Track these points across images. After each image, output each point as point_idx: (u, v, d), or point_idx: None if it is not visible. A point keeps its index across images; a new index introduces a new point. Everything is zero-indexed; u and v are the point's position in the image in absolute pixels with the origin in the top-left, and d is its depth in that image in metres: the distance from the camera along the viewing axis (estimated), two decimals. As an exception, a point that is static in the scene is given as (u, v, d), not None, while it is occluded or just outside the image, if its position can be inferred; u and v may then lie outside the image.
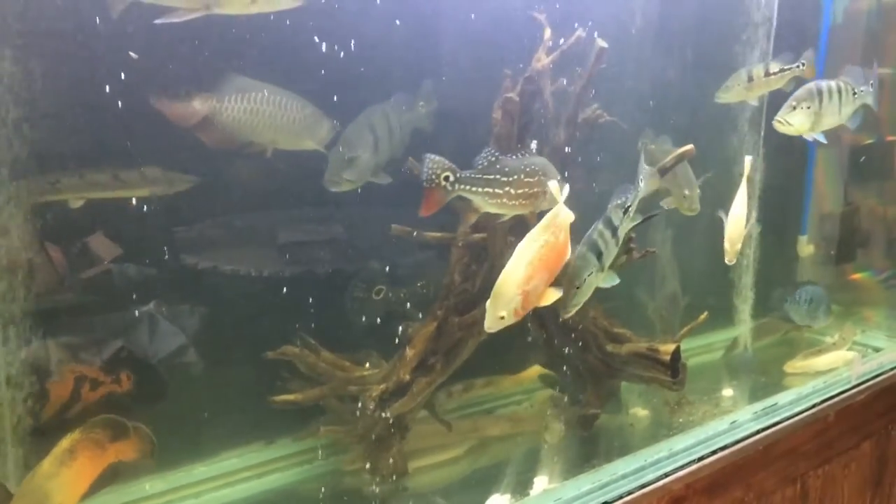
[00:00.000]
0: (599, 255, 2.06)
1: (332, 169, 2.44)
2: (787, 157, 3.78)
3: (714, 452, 2.64)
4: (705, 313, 2.79)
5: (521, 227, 2.54)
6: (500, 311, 1.84)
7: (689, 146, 2.60)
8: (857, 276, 4.44)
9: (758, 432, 2.80)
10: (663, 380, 2.65)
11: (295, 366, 2.48)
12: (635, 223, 2.21)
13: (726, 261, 2.73)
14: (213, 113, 2.23)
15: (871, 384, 3.27)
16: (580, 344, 2.75)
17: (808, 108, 2.80)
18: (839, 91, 2.84)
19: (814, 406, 3.02)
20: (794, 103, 2.80)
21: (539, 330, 2.83)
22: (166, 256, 2.36)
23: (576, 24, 2.52)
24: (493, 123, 2.42)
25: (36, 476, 1.79)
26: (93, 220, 2.23)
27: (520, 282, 1.84)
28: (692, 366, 2.80)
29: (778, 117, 2.81)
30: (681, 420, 2.94)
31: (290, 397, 2.39)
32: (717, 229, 2.68)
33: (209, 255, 2.48)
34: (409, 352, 2.45)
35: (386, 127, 2.56)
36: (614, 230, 2.11)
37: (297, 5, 1.91)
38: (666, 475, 2.48)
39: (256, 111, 2.29)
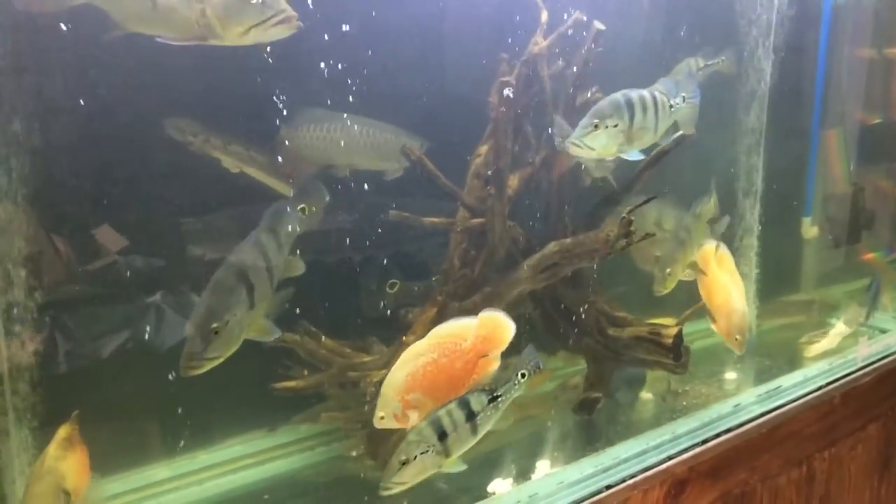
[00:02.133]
0: (444, 436, 1.80)
1: (189, 350, 1.85)
2: (790, 138, 3.74)
3: (718, 435, 2.63)
4: (706, 297, 2.78)
5: (520, 212, 2.56)
6: (379, 411, 1.87)
7: (664, 145, 2.54)
8: (870, 255, 4.40)
9: (762, 415, 2.79)
10: (666, 363, 2.65)
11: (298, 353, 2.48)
12: (507, 401, 1.94)
13: (737, 352, 2.69)
14: (291, 140, 2.42)
15: (878, 366, 3.25)
16: (578, 329, 2.75)
17: (616, 126, 2.16)
18: (655, 103, 2.25)
19: (819, 388, 3.01)
20: (595, 121, 2.15)
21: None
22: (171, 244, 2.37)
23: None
24: (490, 108, 2.42)
25: (47, 458, 1.79)
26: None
27: (398, 388, 1.85)
28: (695, 349, 2.78)
29: (573, 139, 2.16)
30: (684, 403, 2.93)
31: (291, 384, 2.40)
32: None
33: (213, 245, 2.48)
34: (410, 338, 2.45)
35: (263, 265, 2.00)
36: (471, 414, 1.84)
37: (289, 34, 1.89)
38: (669, 458, 2.47)
39: (330, 139, 2.44)
